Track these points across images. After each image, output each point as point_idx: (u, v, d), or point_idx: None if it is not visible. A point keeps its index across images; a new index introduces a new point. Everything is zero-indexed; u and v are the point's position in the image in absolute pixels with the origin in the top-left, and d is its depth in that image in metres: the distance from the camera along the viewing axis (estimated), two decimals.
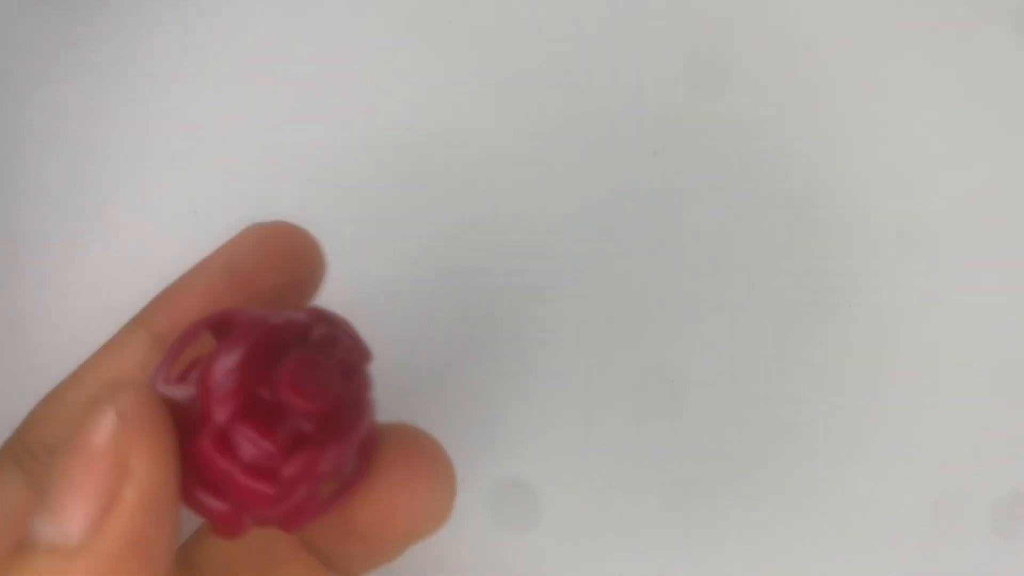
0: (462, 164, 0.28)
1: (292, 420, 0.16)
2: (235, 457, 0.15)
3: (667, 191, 0.28)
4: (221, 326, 0.17)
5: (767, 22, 0.29)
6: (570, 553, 0.26)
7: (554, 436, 0.26)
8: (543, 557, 0.26)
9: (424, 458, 0.18)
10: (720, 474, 0.26)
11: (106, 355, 0.19)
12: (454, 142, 0.28)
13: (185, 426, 0.16)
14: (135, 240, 0.27)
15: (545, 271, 0.27)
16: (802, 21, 0.29)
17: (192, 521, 0.17)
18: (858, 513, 0.27)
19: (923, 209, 0.28)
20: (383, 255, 0.27)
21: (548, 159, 0.28)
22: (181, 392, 0.16)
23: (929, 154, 0.29)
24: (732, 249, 0.28)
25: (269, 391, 0.16)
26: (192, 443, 0.15)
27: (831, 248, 0.28)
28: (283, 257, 0.19)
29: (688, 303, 0.27)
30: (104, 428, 0.15)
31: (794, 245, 0.28)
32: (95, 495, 0.14)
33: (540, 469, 0.26)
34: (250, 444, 0.15)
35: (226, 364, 0.15)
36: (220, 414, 0.15)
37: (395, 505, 0.18)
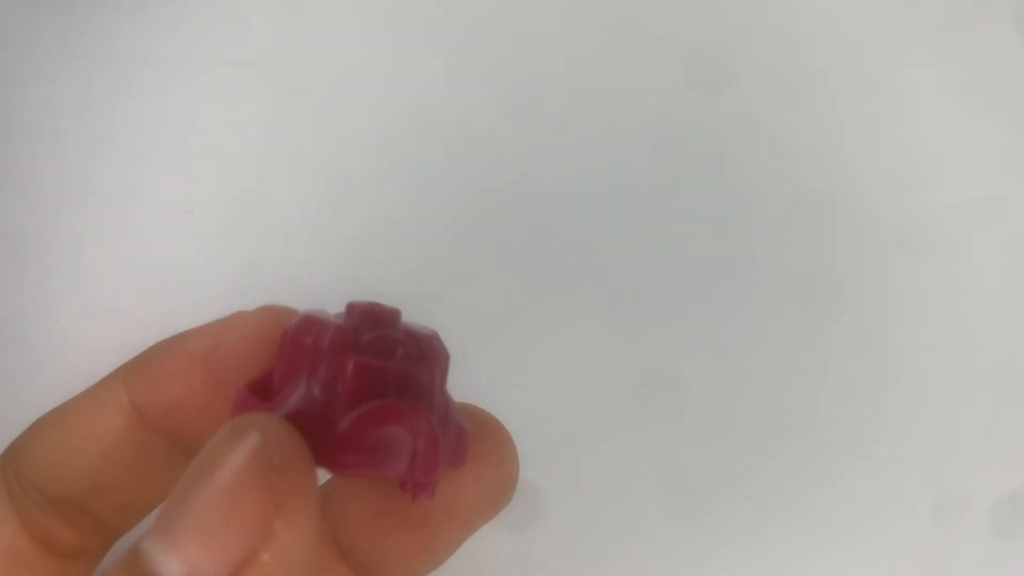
0: (462, 163, 0.28)
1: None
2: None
3: (667, 189, 0.28)
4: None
5: (768, 21, 0.29)
6: (570, 553, 0.26)
7: (554, 436, 0.26)
8: (543, 557, 0.26)
9: (495, 433, 0.19)
10: (720, 474, 0.26)
11: (89, 407, 0.18)
12: (454, 141, 0.28)
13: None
14: (131, 239, 0.27)
15: (545, 270, 0.27)
16: (802, 21, 0.29)
17: None
18: (858, 513, 0.27)
19: (924, 209, 0.28)
20: (381, 255, 0.27)
21: (548, 157, 0.28)
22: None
23: (930, 154, 0.29)
24: (732, 248, 0.28)
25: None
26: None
27: (832, 247, 0.28)
28: (271, 347, 0.18)
29: (688, 302, 0.27)
30: (253, 470, 0.14)
31: (795, 244, 0.28)
32: (231, 550, 0.13)
33: (540, 469, 0.26)
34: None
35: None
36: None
37: (473, 477, 0.18)
